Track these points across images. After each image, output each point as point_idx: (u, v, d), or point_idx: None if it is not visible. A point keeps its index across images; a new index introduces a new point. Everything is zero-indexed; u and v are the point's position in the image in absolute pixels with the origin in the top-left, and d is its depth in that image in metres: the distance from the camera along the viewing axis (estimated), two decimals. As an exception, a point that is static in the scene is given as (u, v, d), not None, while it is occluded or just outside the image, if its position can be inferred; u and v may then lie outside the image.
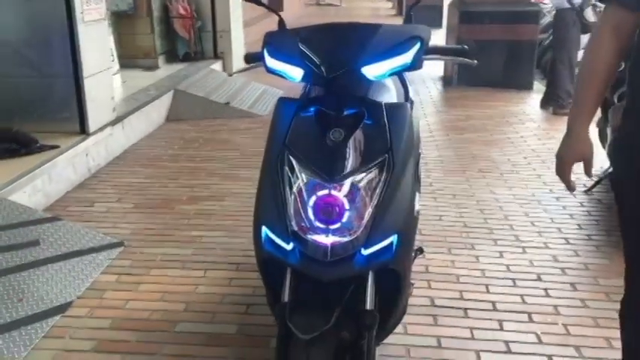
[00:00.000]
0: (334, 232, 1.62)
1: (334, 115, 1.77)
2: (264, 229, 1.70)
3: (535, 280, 2.98)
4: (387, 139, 1.73)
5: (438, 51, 1.87)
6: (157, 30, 7.07)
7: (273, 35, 1.94)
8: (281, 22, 2.10)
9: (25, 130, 3.95)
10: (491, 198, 4.02)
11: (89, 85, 4.30)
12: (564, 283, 2.95)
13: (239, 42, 8.00)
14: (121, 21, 6.91)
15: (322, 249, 1.60)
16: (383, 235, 1.63)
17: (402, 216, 1.69)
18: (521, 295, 2.84)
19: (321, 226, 1.62)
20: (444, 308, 2.73)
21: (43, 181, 3.73)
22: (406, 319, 2.62)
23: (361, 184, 1.65)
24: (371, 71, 1.75)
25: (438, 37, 8.93)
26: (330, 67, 1.74)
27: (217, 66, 7.52)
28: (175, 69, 6.91)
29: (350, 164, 1.67)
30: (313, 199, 1.63)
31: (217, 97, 6.13)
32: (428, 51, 1.85)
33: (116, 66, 6.03)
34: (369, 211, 1.63)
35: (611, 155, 1.79)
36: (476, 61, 1.93)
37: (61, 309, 2.64)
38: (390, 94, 2.35)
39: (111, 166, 4.53)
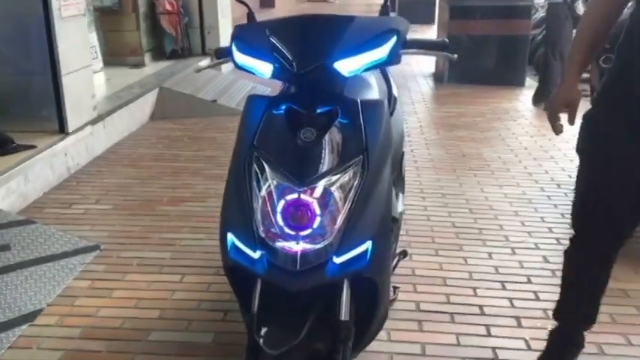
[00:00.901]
0: (304, 239, 1.51)
1: (306, 113, 1.66)
2: (229, 235, 1.59)
3: (525, 282, 2.88)
4: (363, 139, 1.62)
5: (416, 45, 1.76)
6: (142, 26, 6.93)
7: (242, 28, 1.83)
8: (250, 15, 1.98)
9: (0, 130, 3.82)
10: (481, 197, 3.92)
11: (68, 83, 4.17)
12: (555, 285, 2.82)
13: (228, 38, 7.85)
14: (106, 17, 6.77)
15: (291, 257, 1.49)
16: (357, 241, 1.52)
17: (378, 221, 1.58)
18: (510, 299, 2.74)
19: (291, 232, 1.51)
20: (429, 313, 2.63)
21: (18, 183, 3.60)
22: (390, 324, 2.52)
23: (333, 187, 1.54)
24: (344, 66, 1.64)
25: (431, 33, 8.84)
26: (301, 63, 1.63)
27: (205, 63, 7.39)
28: (162, 66, 6.78)
29: (322, 166, 1.56)
30: (282, 203, 1.52)
31: (204, 95, 6.00)
32: (406, 45, 1.74)
33: (99, 63, 5.91)
34: (341, 216, 1.52)
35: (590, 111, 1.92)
36: (456, 56, 1.82)
37: (29, 317, 2.52)
38: (370, 91, 2.24)
39: (91, 167, 4.41)
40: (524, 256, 3.13)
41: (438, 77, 7.75)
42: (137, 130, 5.34)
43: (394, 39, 1.66)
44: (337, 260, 1.51)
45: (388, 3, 1.85)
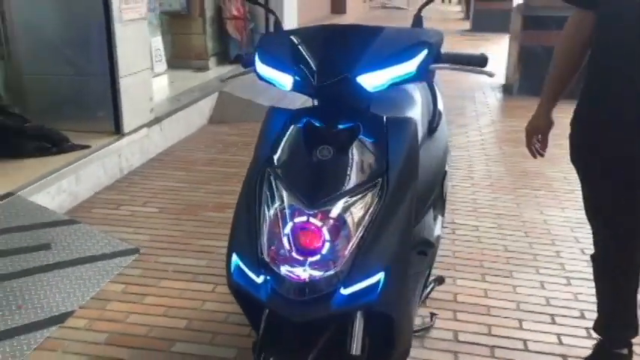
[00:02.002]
0: (312, 266, 1.40)
1: (325, 129, 1.54)
2: (234, 257, 1.50)
3: (578, 317, 2.65)
4: (384, 159, 1.50)
5: (451, 59, 1.62)
6: (209, 31, 7.01)
7: (267, 38, 1.74)
8: (277, 23, 1.89)
9: (56, 129, 3.92)
10: (540, 219, 3.68)
11: (125, 85, 4.23)
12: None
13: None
14: (173, 21, 6.91)
15: (295, 285, 1.39)
16: (368, 271, 1.40)
17: (394, 250, 1.45)
18: (559, 335, 2.52)
19: (298, 257, 1.41)
20: (467, 344, 2.45)
21: (69, 182, 3.67)
22: (422, 354, 2.39)
23: (347, 211, 1.42)
24: (368, 81, 1.52)
25: (504, 43, 8.52)
26: (322, 75, 1.52)
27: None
28: (225, 70, 6.82)
29: (336, 187, 1.44)
30: (289, 226, 1.41)
31: (263, 100, 5.96)
32: (440, 59, 1.59)
33: (163, 66, 6.00)
34: (352, 243, 1.40)
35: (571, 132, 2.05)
36: (494, 73, 1.66)
37: (60, 319, 2.53)
38: (408, 105, 2.12)
39: (144, 168, 4.45)
40: (581, 287, 2.89)
41: (507, 89, 7.44)
42: (194, 133, 5.37)
43: (424, 53, 1.53)
44: (345, 291, 1.39)
45: (422, 14, 1.72)
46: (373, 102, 1.78)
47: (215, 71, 6.83)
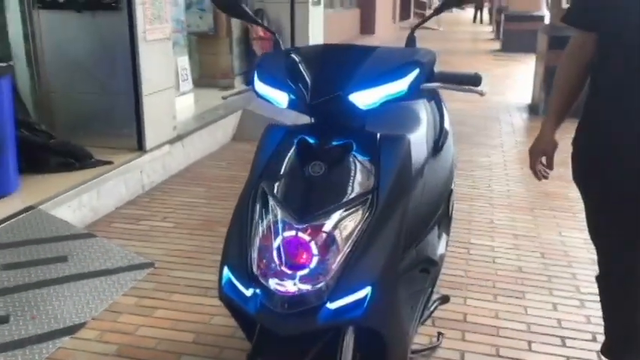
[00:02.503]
0: (300, 280, 1.42)
1: (317, 146, 1.57)
2: (225, 269, 1.53)
3: (589, 340, 2.61)
4: (374, 176, 1.52)
5: (444, 78, 1.63)
6: (235, 51, 7.16)
7: (266, 57, 1.79)
8: (276, 42, 1.94)
9: (81, 145, 4.03)
10: (557, 241, 3.63)
11: (148, 103, 4.34)
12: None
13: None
14: (201, 41, 7.07)
15: (280, 298, 1.41)
16: (354, 286, 1.41)
17: (382, 265, 1.46)
18: (568, 357, 2.48)
19: (287, 271, 1.43)
20: (474, 365, 2.43)
21: (90, 197, 3.77)
22: (427, 374, 2.36)
23: (335, 227, 1.44)
24: (360, 99, 1.54)
25: (531, 63, 8.46)
26: (314, 93, 1.55)
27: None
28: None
29: (326, 202, 1.47)
30: (279, 240, 1.44)
31: (285, 119, 6.01)
32: (433, 78, 1.61)
33: (189, 85, 6.12)
34: (339, 258, 1.42)
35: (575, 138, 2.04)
36: (485, 92, 1.67)
37: (72, 330, 2.59)
38: (411, 125, 2.13)
39: (165, 184, 4.54)
40: (595, 310, 2.81)
41: (533, 109, 7.40)
42: (216, 150, 5.46)
43: (416, 72, 1.55)
44: (331, 305, 1.40)
45: (415, 34, 1.74)
46: (378, 120, 1.80)
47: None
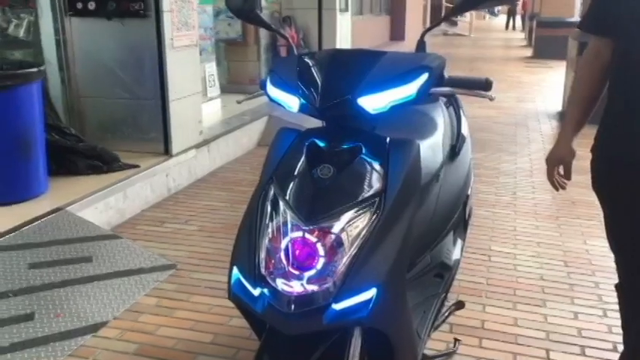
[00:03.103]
0: (307, 280, 1.44)
1: (327, 149, 1.60)
2: (234, 269, 1.56)
3: (610, 349, 2.57)
4: (383, 179, 1.53)
5: (453, 83, 1.64)
6: (263, 58, 7.24)
7: (279, 62, 1.82)
8: (290, 48, 1.97)
9: (108, 149, 4.13)
10: (582, 249, 3.58)
11: (175, 108, 4.42)
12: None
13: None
14: (230, 48, 7.18)
15: (287, 298, 1.43)
16: (359, 287, 1.42)
17: (388, 268, 1.47)
18: (589, 368, 2.45)
19: (294, 272, 1.45)
20: (489, 372, 2.41)
21: (117, 199, 3.85)
22: (441, 380, 2.36)
23: (342, 228, 1.46)
24: (369, 103, 1.56)
25: (561, 69, 8.35)
26: (324, 98, 1.58)
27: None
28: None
29: (333, 204, 1.48)
30: (286, 240, 1.46)
31: (310, 124, 6.07)
32: (442, 83, 1.62)
33: (216, 91, 6.21)
34: (345, 259, 1.44)
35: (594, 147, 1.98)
36: (494, 97, 1.67)
37: (94, 328, 2.65)
38: (428, 130, 2.14)
39: (191, 188, 4.61)
40: (617, 320, 2.77)
41: (563, 116, 7.28)
42: (242, 155, 5.52)
43: (424, 76, 1.56)
44: (337, 306, 1.42)
45: (425, 39, 1.75)
46: (394, 125, 1.82)
47: (268, 96, 6.99)
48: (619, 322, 2.75)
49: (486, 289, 3.07)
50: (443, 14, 18.10)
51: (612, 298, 2.96)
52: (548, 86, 9.72)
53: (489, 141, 6.16)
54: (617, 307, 2.91)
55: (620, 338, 2.60)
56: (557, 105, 7.83)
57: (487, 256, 3.46)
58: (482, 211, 4.10)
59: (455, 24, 21.57)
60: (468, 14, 20.39)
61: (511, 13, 26.20)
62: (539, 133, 6.65)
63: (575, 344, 2.60)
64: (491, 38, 21.48)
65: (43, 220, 3.30)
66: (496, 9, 31.78)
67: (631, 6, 1.79)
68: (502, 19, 28.74)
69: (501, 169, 5.21)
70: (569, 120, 2.04)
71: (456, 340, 2.55)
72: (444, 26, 20.30)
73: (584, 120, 2.01)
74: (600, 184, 2.01)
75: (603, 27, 1.88)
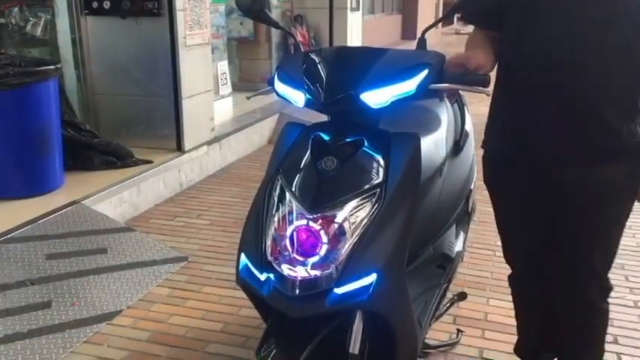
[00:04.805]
0: (311, 266, 1.52)
1: (331, 142, 1.67)
2: (242, 256, 1.64)
3: (610, 342, 2.61)
4: (383, 171, 1.60)
5: (452, 79, 1.71)
6: (274, 56, 7.33)
7: (286, 59, 1.90)
8: (296, 46, 2.04)
9: (122, 145, 4.23)
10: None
11: (187, 106, 4.52)
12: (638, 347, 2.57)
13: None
14: (242, 46, 7.27)
15: (291, 282, 1.51)
16: (360, 272, 1.50)
17: (388, 254, 1.54)
18: (587, 358, 2.50)
19: (299, 258, 1.53)
20: (492, 362, 2.48)
21: (131, 193, 3.95)
22: (444, 369, 2.42)
23: (345, 217, 1.54)
24: (371, 98, 1.63)
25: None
26: (328, 93, 1.65)
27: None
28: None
29: (336, 195, 1.56)
30: (291, 229, 1.54)
31: (318, 121, 6.15)
32: (440, 79, 1.69)
33: (228, 89, 6.29)
34: (347, 246, 1.51)
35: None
36: (490, 92, 1.73)
37: (108, 317, 2.75)
38: (431, 125, 2.21)
39: (202, 183, 4.71)
40: (618, 314, 2.84)
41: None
42: (253, 152, 5.61)
43: (424, 72, 1.63)
44: (339, 290, 1.50)
45: (425, 37, 1.82)
46: (398, 120, 1.89)
47: (279, 94, 7.07)
48: (620, 317, 2.84)
49: (491, 283, 3.13)
50: (442, 13, 18.07)
51: (615, 292, 3.03)
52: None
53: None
54: (617, 301, 2.98)
55: (619, 331, 2.70)
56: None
57: (492, 251, 3.51)
58: (488, 207, 4.14)
59: (467, 23, 21.52)
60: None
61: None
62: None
63: (576, 336, 2.65)
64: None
65: (59, 213, 3.40)
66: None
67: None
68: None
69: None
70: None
71: (459, 330, 2.62)
72: (456, 25, 20.26)
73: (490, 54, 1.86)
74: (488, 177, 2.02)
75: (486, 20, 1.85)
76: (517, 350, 2.32)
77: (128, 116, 4.58)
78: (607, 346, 2.56)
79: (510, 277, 2.19)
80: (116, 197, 3.82)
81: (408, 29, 15.51)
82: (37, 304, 2.71)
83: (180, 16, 4.35)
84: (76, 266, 3.02)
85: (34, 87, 3.53)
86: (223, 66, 6.23)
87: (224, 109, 5.93)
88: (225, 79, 6.27)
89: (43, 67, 3.61)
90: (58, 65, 3.79)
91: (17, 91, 3.45)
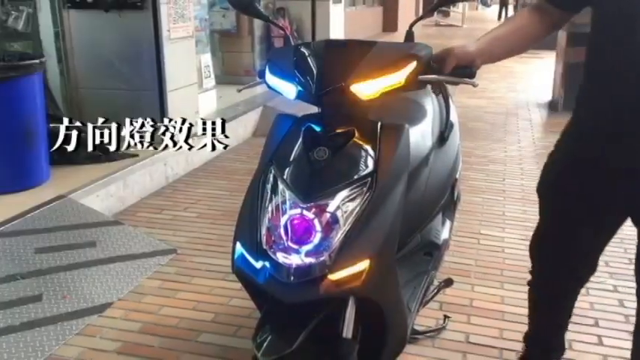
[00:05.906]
0: (305, 254, 1.56)
1: (322, 133, 1.71)
2: (238, 245, 1.68)
3: (591, 325, 2.71)
4: (374, 161, 1.65)
5: (439, 71, 1.75)
6: (257, 49, 7.34)
7: (277, 52, 1.93)
8: (287, 38, 2.08)
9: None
10: (567, 232, 3.71)
11: (172, 99, 4.53)
12: (625, 331, 2.65)
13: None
14: (224, 39, 7.27)
15: (286, 269, 1.55)
16: (352, 259, 1.55)
17: (380, 242, 1.59)
18: (570, 341, 2.57)
19: (293, 246, 1.57)
20: (477, 346, 2.55)
21: (117, 187, 3.96)
22: (432, 352, 2.51)
23: (337, 206, 1.58)
24: (361, 90, 1.68)
25: (550, 59, 8.47)
26: (319, 85, 1.69)
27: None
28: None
29: (328, 184, 1.60)
30: (285, 218, 1.58)
31: (303, 113, 6.18)
32: (428, 71, 1.74)
33: (212, 82, 6.29)
34: (340, 233, 1.56)
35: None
36: (477, 83, 1.78)
37: (100, 309, 2.77)
38: (417, 116, 2.26)
39: (188, 177, 4.72)
40: (599, 297, 2.94)
41: (553, 105, 7.43)
42: (238, 145, 5.63)
43: (412, 65, 1.68)
44: (332, 277, 1.54)
45: (412, 30, 1.87)
46: (386, 112, 1.94)
47: (262, 87, 7.06)
48: (600, 300, 2.92)
49: (475, 270, 3.21)
50: (422, 6, 18.10)
51: (596, 277, 3.10)
52: (539, 76, 9.85)
53: (480, 130, 6.29)
54: (599, 286, 3.07)
55: (600, 314, 2.78)
56: (547, 95, 7.96)
57: (476, 240, 3.59)
58: (472, 197, 4.24)
59: (447, 15, 21.63)
60: (460, 5, 20.48)
61: (503, 4, 26.23)
62: (528, 121, 6.78)
63: (558, 320, 2.74)
64: (484, 29, 21.49)
65: (47, 207, 3.41)
66: (487, -1, 31.87)
67: None
68: (495, 9, 28.80)
69: (491, 156, 5.35)
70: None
71: (445, 316, 2.68)
72: (436, 17, 20.37)
73: (489, 48, 1.85)
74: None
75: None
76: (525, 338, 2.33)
77: (113, 110, 4.55)
78: (588, 329, 2.66)
79: (536, 283, 2.21)
80: (103, 191, 3.82)
81: (389, 21, 15.57)
82: (29, 297, 2.73)
83: (163, 10, 4.35)
84: (65, 260, 3.03)
85: (18, 81, 3.52)
86: (207, 59, 6.22)
87: (208, 102, 5.94)
88: (209, 72, 6.27)
89: (27, 61, 3.60)
90: (43, 59, 3.78)
91: (1, 86, 3.44)
